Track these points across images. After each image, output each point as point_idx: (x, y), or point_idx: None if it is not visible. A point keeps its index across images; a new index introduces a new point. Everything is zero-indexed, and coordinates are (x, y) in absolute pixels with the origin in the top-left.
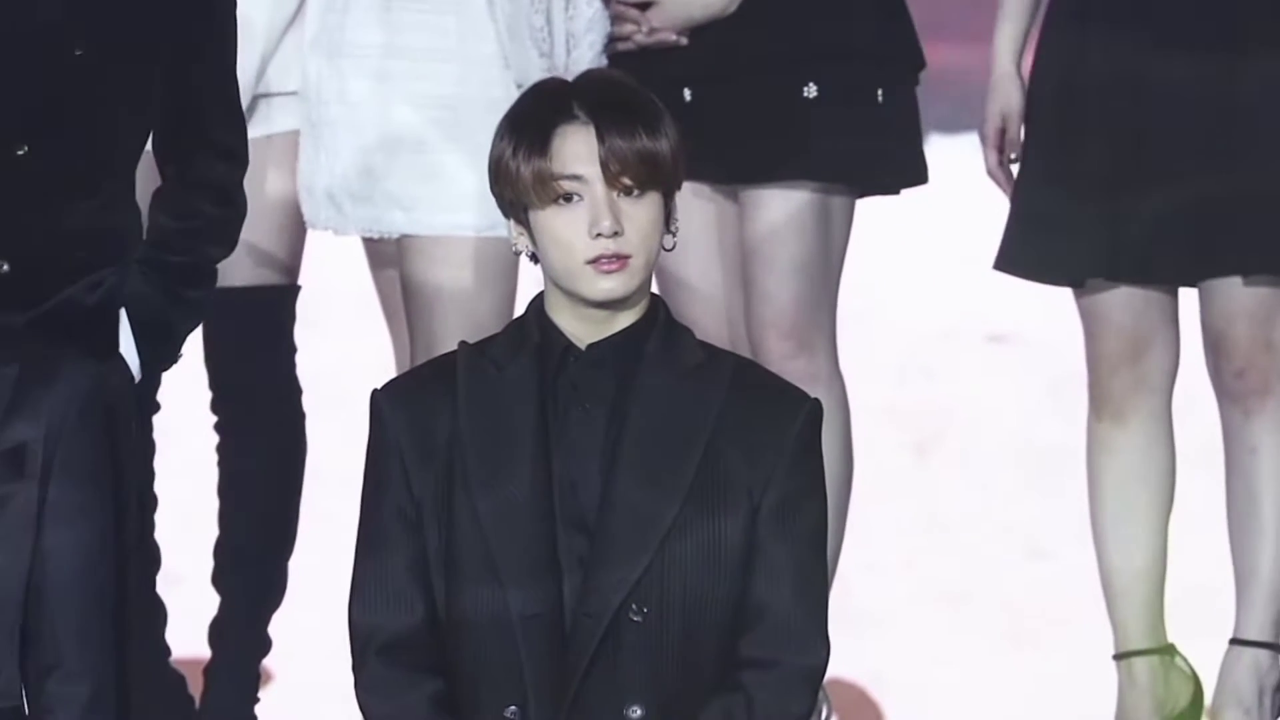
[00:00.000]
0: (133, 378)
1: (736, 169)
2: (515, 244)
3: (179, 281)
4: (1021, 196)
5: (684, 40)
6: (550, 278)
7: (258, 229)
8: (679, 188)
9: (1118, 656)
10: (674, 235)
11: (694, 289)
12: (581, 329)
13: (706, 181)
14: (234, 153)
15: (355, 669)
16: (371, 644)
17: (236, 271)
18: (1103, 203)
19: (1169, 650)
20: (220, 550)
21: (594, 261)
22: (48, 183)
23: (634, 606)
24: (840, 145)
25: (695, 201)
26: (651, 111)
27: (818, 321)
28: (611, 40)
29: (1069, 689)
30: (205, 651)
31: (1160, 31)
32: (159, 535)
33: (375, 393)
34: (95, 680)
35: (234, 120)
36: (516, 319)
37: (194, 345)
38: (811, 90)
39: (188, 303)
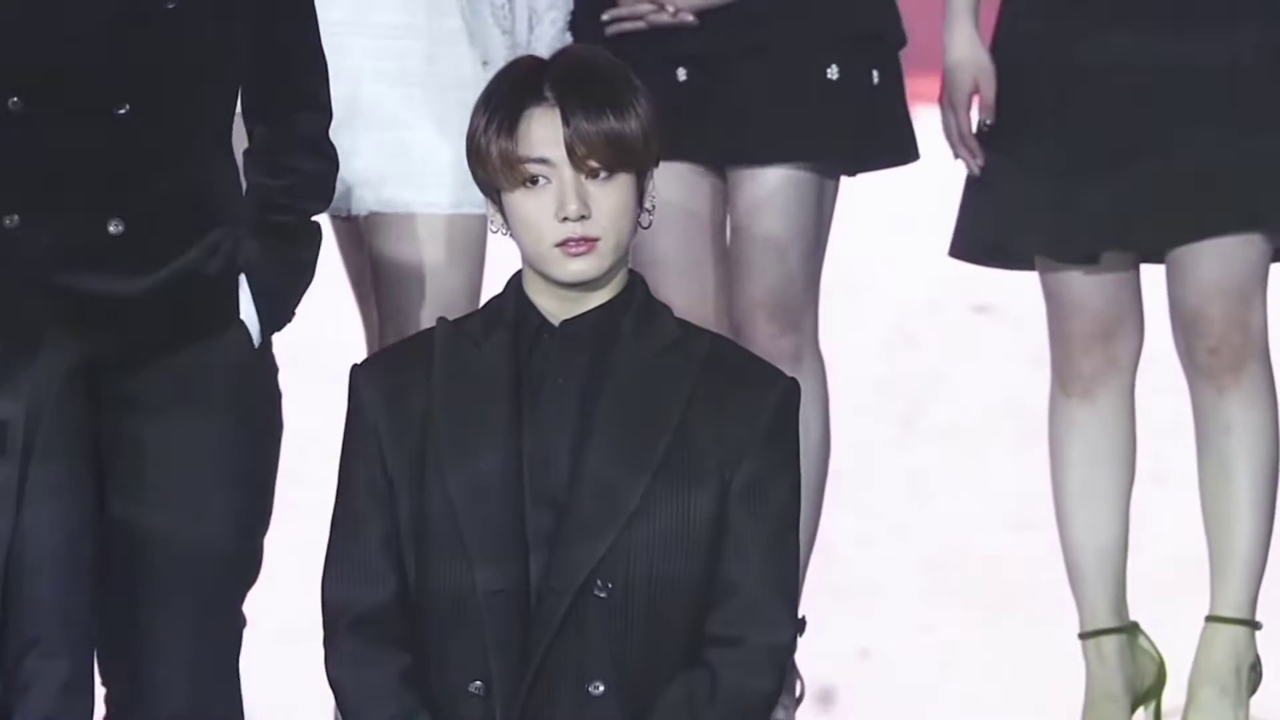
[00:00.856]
0: (253, 344)
1: (742, 149)
2: (492, 222)
3: (288, 242)
4: (981, 181)
5: (695, 20)
6: (523, 257)
7: None
8: (654, 166)
9: (1084, 635)
10: (650, 213)
11: (672, 267)
12: (557, 307)
13: (698, 161)
14: (321, 103)
15: (326, 643)
16: (342, 619)
17: None
18: (1065, 180)
19: (1134, 629)
20: None
21: (562, 244)
22: (151, 141)
23: (599, 582)
24: (853, 126)
25: (677, 180)
26: (622, 92)
27: (805, 301)
28: (617, 20)
29: (1053, 659)
30: None
31: (1126, 8)
32: None
33: (354, 368)
34: (74, 658)
35: (319, 70)
36: (495, 296)
37: None
38: (834, 72)
39: (299, 264)
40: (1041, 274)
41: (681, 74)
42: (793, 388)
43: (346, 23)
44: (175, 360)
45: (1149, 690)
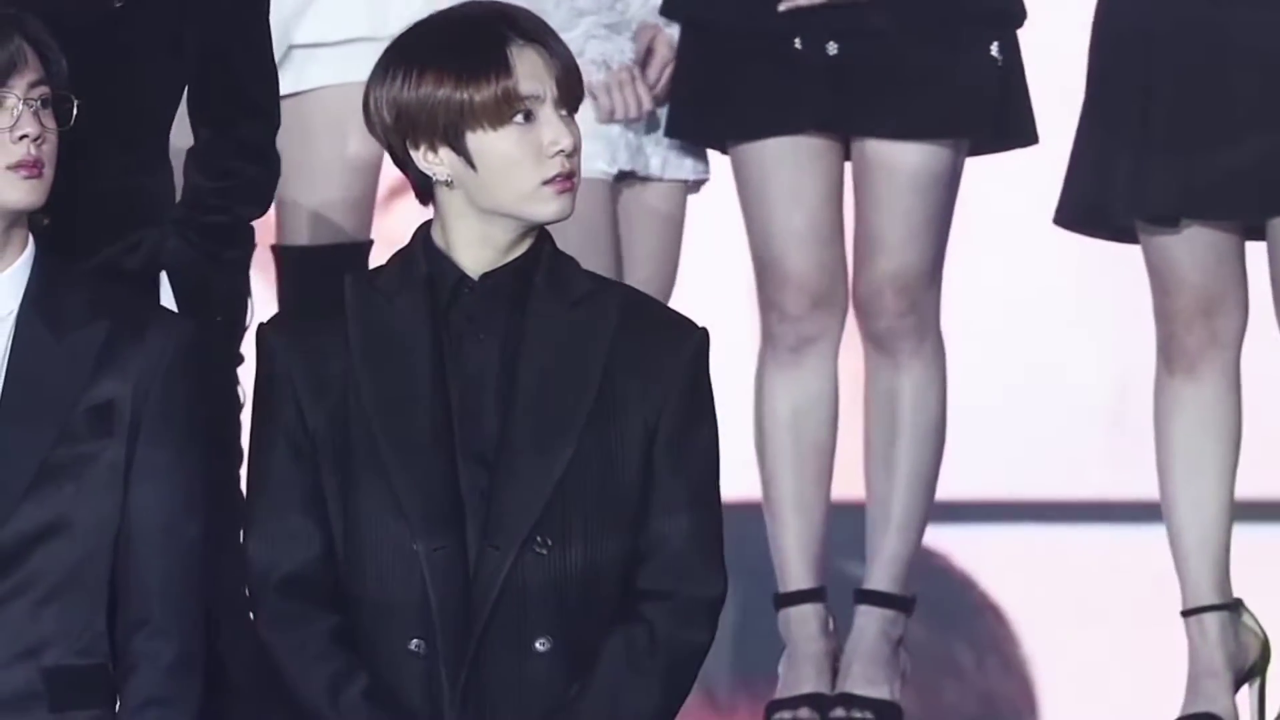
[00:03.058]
0: None
1: (902, 122)
2: (434, 173)
3: (217, 242)
4: (1084, 150)
5: None
6: (488, 204)
7: (330, 185)
8: None
9: (1187, 612)
10: None
11: (805, 240)
12: (480, 259)
13: (830, 133)
14: (267, 111)
15: (254, 606)
16: (269, 580)
17: (310, 229)
18: (1170, 149)
19: (1236, 605)
20: None
21: (550, 181)
22: (85, 137)
23: (539, 539)
24: (1012, 104)
25: (803, 153)
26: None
27: (935, 279)
28: None
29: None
30: None
31: None
32: None
33: (262, 326)
34: (182, 638)
35: (268, 79)
36: (401, 250)
37: (269, 302)
38: (995, 50)
39: (227, 263)
40: (1144, 249)
41: (833, 48)
42: (705, 337)
43: None
44: None
45: (1253, 667)
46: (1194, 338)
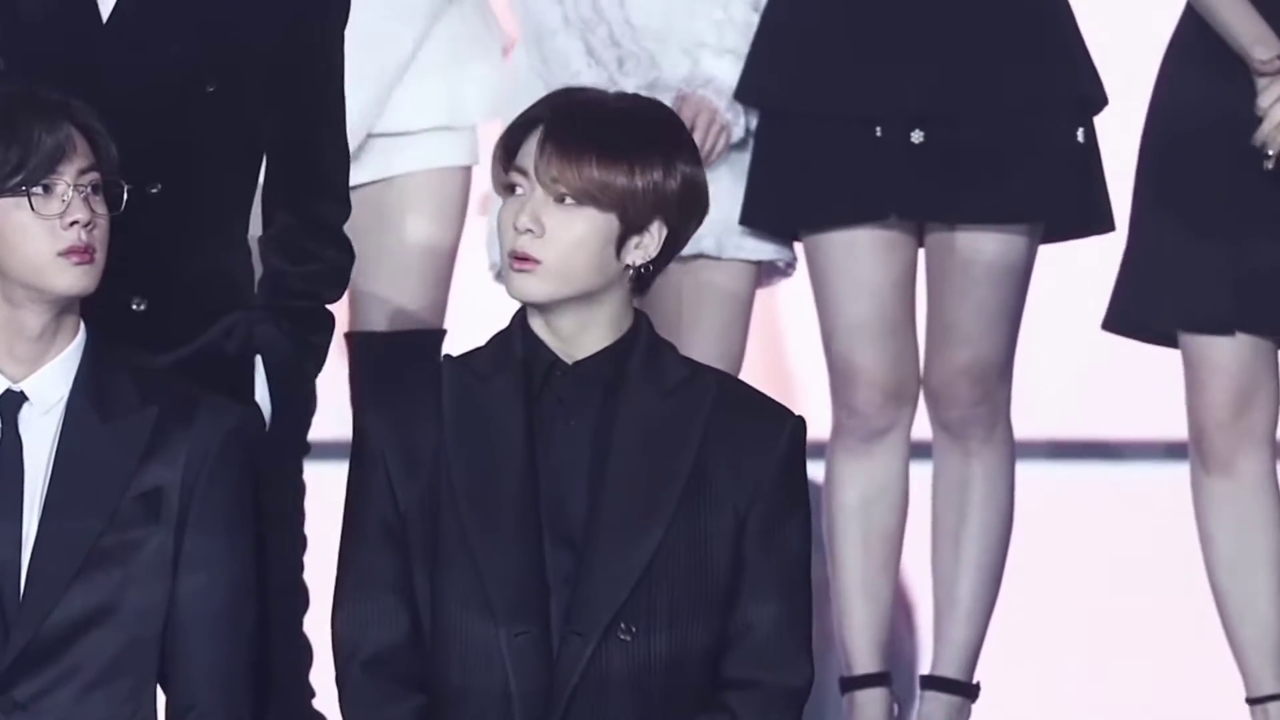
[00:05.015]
0: (265, 424)
1: (989, 209)
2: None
3: (305, 326)
4: (1135, 255)
5: None
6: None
7: (408, 272)
8: (650, 224)
9: (1251, 701)
10: (630, 265)
11: (871, 331)
12: (560, 344)
13: (909, 221)
14: (344, 196)
15: (339, 683)
16: (355, 658)
17: (387, 317)
18: (1215, 254)
19: None
20: None
21: (510, 255)
22: (180, 221)
23: (622, 626)
24: (1095, 189)
25: (877, 243)
26: (629, 142)
27: (1007, 369)
28: None
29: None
30: None
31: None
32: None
33: (359, 404)
34: None
35: (345, 165)
36: (500, 331)
37: (342, 389)
38: (1080, 135)
39: (315, 348)
40: (1182, 347)
41: (918, 136)
42: (801, 425)
43: None
44: None
45: None
46: (1224, 437)
